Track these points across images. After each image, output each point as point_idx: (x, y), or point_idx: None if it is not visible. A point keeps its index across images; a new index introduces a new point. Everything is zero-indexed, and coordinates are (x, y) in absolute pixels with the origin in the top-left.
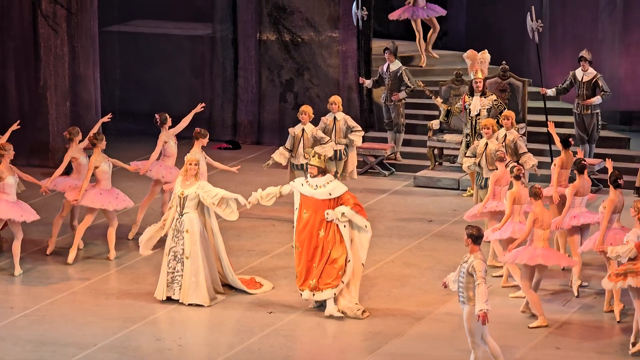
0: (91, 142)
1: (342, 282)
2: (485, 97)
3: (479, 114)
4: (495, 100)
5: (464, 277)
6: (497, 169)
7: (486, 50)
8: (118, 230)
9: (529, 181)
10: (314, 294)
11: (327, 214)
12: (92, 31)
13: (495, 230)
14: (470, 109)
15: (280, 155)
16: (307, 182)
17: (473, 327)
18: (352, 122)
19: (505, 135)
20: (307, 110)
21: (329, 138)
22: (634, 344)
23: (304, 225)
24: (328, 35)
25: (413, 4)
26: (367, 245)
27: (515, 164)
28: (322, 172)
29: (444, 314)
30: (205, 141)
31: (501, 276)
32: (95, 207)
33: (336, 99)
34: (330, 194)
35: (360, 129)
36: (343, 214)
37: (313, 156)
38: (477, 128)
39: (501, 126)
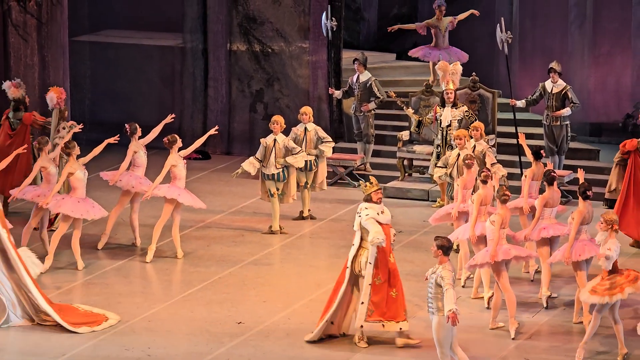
0: (64, 152)
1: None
2: (456, 108)
3: (450, 125)
4: (466, 111)
5: (433, 288)
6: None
7: (458, 62)
8: (87, 240)
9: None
10: (400, 329)
11: (395, 236)
12: (62, 41)
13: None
14: (441, 120)
15: (249, 164)
16: (376, 211)
17: (442, 337)
18: (322, 133)
19: (475, 147)
20: (278, 120)
21: (300, 148)
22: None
23: (383, 255)
24: (298, 45)
25: (434, 44)
26: None
27: (484, 168)
28: None
29: (414, 324)
30: (178, 145)
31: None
32: (74, 216)
33: (307, 110)
34: (390, 216)
35: (331, 139)
36: (395, 234)
37: (370, 183)
38: (448, 139)
39: (471, 137)
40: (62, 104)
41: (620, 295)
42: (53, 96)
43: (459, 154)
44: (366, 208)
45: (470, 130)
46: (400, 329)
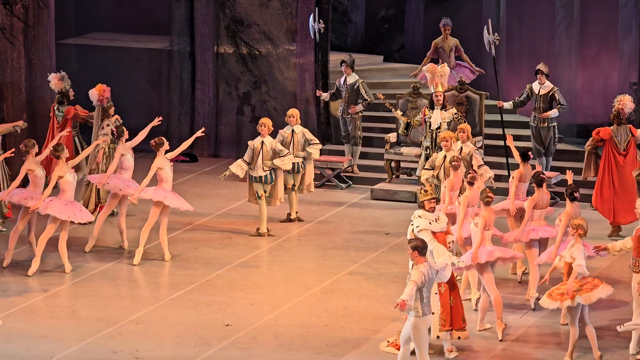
0: (54, 155)
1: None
2: (445, 111)
3: (439, 127)
4: (455, 113)
5: None
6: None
7: (445, 64)
8: (74, 243)
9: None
10: (459, 337)
11: (450, 243)
12: (49, 44)
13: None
14: (430, 122)
15: (237, 167)
16: (428, 219)
17: (418, 338)
18: (310, 135)
19: (461, 148)
20: (266, 122)
21: (288, 151)
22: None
23: None
24: (285, 48)
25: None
26: None
27: (470, 170)
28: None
29: (401, 327)
30: (165, 147)
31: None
32: (61, 217)
33: (294, 112)
34: (446, 222)
35: (318, 142)
36: (452, 242)
37: (425, 191)
38: (438, 141)
39: (458, 139)
40: (104, 101)
41: (569, 302)
42: (94, 93)
43: (445, 156)
44: (419, 217)
45: (456, 132)
46: (459, 337)
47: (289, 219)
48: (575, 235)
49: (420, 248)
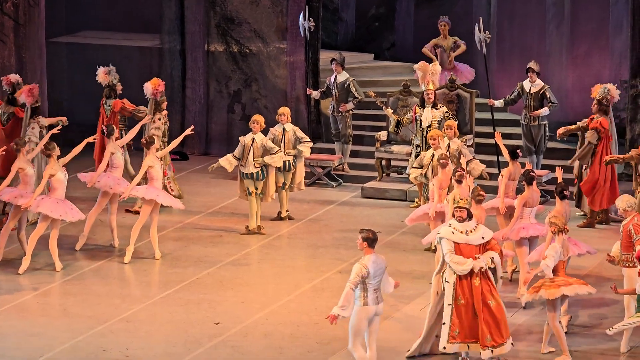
0: (45, 153)
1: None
2: (436, 109)
3: (430, 126)
4: (446, 112)
5: None
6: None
7: (437, 62)
8: (65, 241)
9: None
10: (492, 351)
11: (479, 258)
12: (39, 42)
13: None
14: (421, 121)
15: (226, 161)
16: (454, 227)
17: (353, 325)
18: (300, 133)
19: (449, 145)
20: (258, 119)
21: (278, 148)
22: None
23: (464, 277)
24: (276, 46)
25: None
26: None
27: (458, 168)
28: (470, 215)
29: (391, 324)
30: (156, 145)
31: None
32: (53, 216)
33: (285, 110)
34: (483, 238)
35: (309, 140)
36: (492, 259)
37: (460, 200)
38: (428, 139)
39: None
40: (157, 95)
41: (527, 297)
42: (148, 86)
43: (433, 155)
44: (449, 225)
45: (443, 129)
46: (492, 351)
47: (279, 217)
48: (550, 232)
49: (370, 240)
